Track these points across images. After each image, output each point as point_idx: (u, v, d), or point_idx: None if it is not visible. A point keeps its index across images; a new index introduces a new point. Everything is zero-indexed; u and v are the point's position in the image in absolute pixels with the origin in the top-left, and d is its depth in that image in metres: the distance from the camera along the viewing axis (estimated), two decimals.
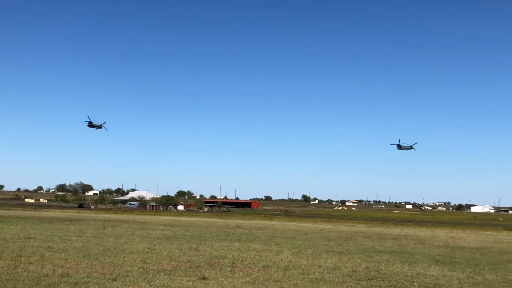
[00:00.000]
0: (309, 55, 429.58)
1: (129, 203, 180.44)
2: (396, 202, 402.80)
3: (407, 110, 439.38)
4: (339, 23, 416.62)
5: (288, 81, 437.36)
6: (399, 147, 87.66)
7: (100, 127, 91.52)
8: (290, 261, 20.86)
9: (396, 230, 63.79)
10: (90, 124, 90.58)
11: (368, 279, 16.56)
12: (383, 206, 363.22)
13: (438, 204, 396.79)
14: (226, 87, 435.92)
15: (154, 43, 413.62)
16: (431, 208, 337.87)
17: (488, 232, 75.04)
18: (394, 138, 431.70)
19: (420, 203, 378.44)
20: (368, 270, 19.05)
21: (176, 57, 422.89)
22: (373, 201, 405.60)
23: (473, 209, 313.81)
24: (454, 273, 19.32)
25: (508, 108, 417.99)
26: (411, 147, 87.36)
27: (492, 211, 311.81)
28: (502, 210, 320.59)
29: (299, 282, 15.35)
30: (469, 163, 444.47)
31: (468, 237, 51.25)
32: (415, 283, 16.18)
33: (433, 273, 18.92)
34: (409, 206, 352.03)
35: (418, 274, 18.59)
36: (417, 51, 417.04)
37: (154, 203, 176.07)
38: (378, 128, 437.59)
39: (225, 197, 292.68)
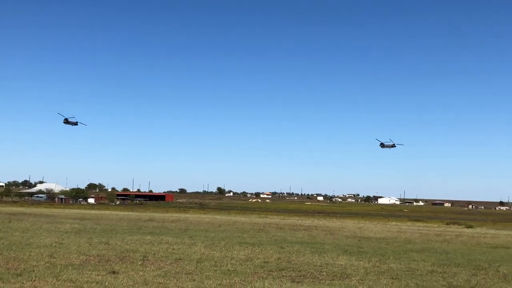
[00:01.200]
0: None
1: (36, 195, 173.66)
2: (308, 194, 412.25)
3: (317, 106, 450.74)
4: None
5: (202, 74, 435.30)
6: (382, 145, 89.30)
7: (75, 124, 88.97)
8: (203, 253, 20.88)
9: (307, 221, 65.32)
10: (66, 121, 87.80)
11: (279, 270, 16.88)
12: (296, 198, 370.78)
13: (347, 195, 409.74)
14: (135, 80, 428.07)
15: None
16: (341, 200, 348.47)
17: (393, 223, 78.50)
18: (306, 130, 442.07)
19: (331, 195, 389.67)
20: (279, 260, 19.40)
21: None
22: (287, 193, 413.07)
23: (380, 201, 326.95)
24: (361, 262, 20.07)
25: (411, 103, 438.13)
26: (393, 145, 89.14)
27: (398, 202, 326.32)
28: (407, 202, 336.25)
29: (211, 274, 15.40)
30: (376, 156, 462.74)
31: (375, 228, 53.33)
32: (324, 272, 16.68)
33: (341, 263, 19.57)
34: (320, 198, 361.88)
35: (327, 263, 19.16)
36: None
37: (63, 196, 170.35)
38: (290, 121, 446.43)
39: (138, 190, 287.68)
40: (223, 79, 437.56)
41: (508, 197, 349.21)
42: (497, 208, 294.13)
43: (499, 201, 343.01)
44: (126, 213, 76.90)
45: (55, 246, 21.29)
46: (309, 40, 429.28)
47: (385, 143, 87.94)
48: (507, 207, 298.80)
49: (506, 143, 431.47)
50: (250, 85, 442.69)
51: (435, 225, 76.45)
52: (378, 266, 18.99)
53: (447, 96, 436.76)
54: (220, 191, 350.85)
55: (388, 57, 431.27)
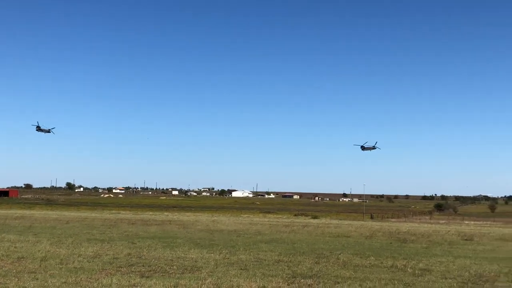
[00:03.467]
0: None
1: None
2: (163, 189, 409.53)
3: (168, 102, 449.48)
4: None
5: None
6: (363, 148, 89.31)
7: (48, 131, 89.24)
8: (48, 251, 19.95)
9: (161, 216, 64.92)
10: (38, 128, 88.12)
11: (129, 265, 16.65)
12: (150, 192, 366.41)
13: (203, 189, 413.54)
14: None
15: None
16: (196, 194, 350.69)
17: (246, 215, 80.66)
18: (159, 125, 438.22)
19: (186, 189, 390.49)
20: (129, 256, 19.13)
21: None
22: (141, 187, 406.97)
23: (234, 194, 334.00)
24: (212, 255, 20.41)
25: (258, 102, 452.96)
26: (374, 147, 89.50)
27: (251, 195, 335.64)
28: (259, 195, 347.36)
29: (56, 272, 14.79)
30: (230, 151, 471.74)
31: (227, 220, 54.38)
32: (174, 266, 16.74)
33: (193, 256, 19.76)
34: (175, 192, 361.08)
35: (178, 257, 19.25)
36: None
37: None
38: (142, 116, 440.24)
39: None
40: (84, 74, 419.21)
41: (351, 189, 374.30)
42: (340, 200, 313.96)
43: (342, 193, 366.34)
44: None
45: None
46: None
47: (365, 146, 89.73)
48: (349, 199, 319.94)
49: (347, 139, 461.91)
50: (101, 79, 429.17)
51: (284, 217, 79.80)
52: (228, 258, 19.45)
53: (298, 94, 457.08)
54: (70, 186, 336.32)
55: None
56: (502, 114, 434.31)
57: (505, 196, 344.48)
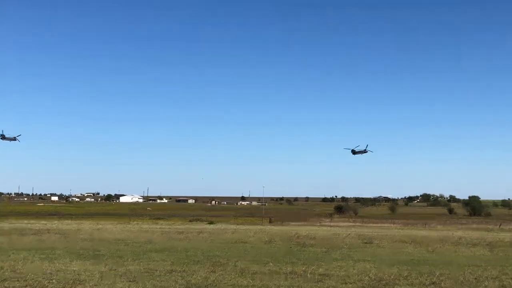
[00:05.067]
0: None
1: None
2: (41, 194, 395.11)
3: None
4: None
5: None
6: (354, 152, 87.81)
7: (14, 139, 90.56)
8: None
9: (38, 225, 62.40)
10: (3, 137, 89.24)
11: (1, 281, 15.94)
12: (26, 199, 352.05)
13: (86, 195, 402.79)
14: None
15: None
16: (79, 200, 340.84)
17: (135, 222, 79.30)
18: (35, 121, 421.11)
19: (67, 195, 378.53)
20: (2, 270, 18.30)
21: None
22: (15, 193, 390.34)
23: (122, 199, 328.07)
24: (97, 266, 19.94)
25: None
26: (365, 151, 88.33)
27: (141, 200, 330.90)
28: (151, 199, 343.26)
29: None
30: (118, 152, 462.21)
31: (114, 228, 53.26)
32: (54, 280, 16.21)
33: (75, 268, 19.21)
34: (55, 198, 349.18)
35: (58, 270, 18.64)
36: None
37: None
38: (17, 112, 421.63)
39: None
40: None
41: (249, 192, 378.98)
42: (239, 203, 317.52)
43: (241, 196, 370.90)
44: None
45: None
46: None
47: (356, 150, 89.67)
48: (248, 202, 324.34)
49: (247, 139, 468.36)
50: None
51: (177, 223, 79.41)
52: (115, 269, 19.09)
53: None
54: None
55: None
56: (402, 115, 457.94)
57: (405, 197, 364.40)
